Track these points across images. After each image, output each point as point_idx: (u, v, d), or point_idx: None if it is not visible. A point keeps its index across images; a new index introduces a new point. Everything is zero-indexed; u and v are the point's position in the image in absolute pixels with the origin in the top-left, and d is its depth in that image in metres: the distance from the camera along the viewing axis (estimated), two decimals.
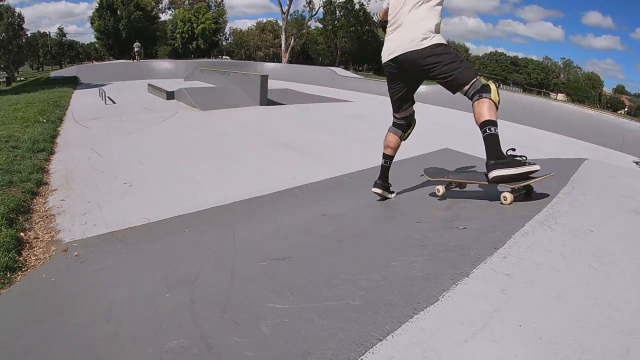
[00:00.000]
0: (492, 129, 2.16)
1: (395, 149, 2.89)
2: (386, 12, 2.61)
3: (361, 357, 1.09)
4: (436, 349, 1.10)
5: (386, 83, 2.73)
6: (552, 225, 1.87)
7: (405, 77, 2.59)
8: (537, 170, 2.16)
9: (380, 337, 1.16)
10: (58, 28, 62.10)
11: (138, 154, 5.34)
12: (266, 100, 11.03)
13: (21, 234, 2.83)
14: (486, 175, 2.27)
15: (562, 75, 65.36)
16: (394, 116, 2.82)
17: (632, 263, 1.60)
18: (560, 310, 1.28)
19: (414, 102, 2.79)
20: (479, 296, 1.33)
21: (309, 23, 51.55)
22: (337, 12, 52.33)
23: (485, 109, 2.19)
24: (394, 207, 3.12)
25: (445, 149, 6.09)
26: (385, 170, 2.98)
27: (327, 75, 21.94)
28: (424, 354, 1.08)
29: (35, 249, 2.70)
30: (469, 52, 63.47)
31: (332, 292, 1.57)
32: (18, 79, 37.06)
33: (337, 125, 8.41)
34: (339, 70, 24.19)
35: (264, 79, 11.00)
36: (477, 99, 2.22)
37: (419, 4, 2.38)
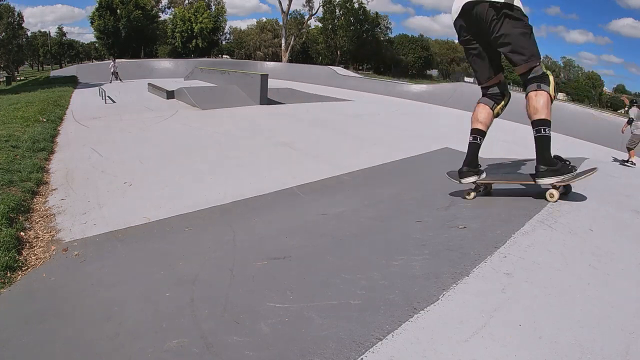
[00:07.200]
0: (546, 130, 2.06)
1: (487, 123, 2.44)
2: None
3: (361, 357, 1.09)
4: (436, 348, 1.10)
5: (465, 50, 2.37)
6: (552, 224, 1.87)
7: (478, 36, 2.26)
8: (584, 177, 2.17)
9: (380, 337, 1.16)
10: (58, 27, 62.05)
11: (138, 153, 5.34)
12: (266, 99, 11.03)
13: (21, 233, 2.82)
14: (532, 177, 2.24)
15: (562, 75, 65.35)
16: (481, 88, 2.49)
17: (632, 263, 1.60)
18: (560, 309, 1.28)
19: (501, 70, 2.42)
20: (479, 295, 1.33)
21: (308, 22, 51.54)
22: (337, 11, 52.27)
23: (542, 104, 2.05)
24: (394, 207, 3.12)
25: (445, 149, 6.09)
26: (474, 149, 2.48)
27: (327, 74, 21.96)
28: (424, 354, 1.08)
29: (35, 248, 2.69)
30: None
31: (332, 291, 1.57)
32: (18, 78, 37.06)
33: (338, 124, 8.41)
34: (339, 70, 24.21)
35: (264, 78, 11.01)
36: (535, 90, 2.07)
37: None
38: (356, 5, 50.77)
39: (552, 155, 2.14)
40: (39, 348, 1.60)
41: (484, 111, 2.43)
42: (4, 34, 41.63)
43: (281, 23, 42.75)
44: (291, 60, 40.90)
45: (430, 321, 1.21)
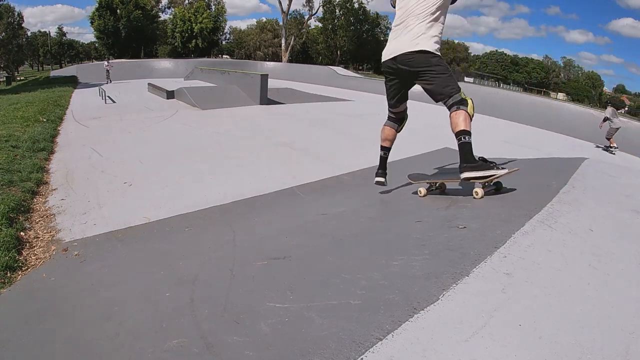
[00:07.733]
0: (466, 137, 2.47)
1: (392, 140, 3.08)
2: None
3: (361, 357, 1.09)
4: (436, 348, 1.10)
5: (384, 82, 2.94)
6: (552, 224, 1.86)
7: (400, 77, 2.73)
8: (505, 174, 2.43)
9: (380, 337, 1.15)
10: (58, 27, 62.06)
11: (138, 153, 5.34)
12: (266, 99, 11.03)
13: (21, 233, 2.83)
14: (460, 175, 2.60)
15: (562, 75, 65.31)
16: (389, 111, 3.00)
17: (632, 263, 1.60)
18: (560, 310, 1.28)
19: (407, 100, 2.96)
20: (479, 295, 1.33)
21: (308, 22, 51.54)
22: (337, 11, 52.25)
23: (461, 120, 2.47)
24: (394, 207, 3.12)
25: (445, 148, 6.09)
26: (384, 160, 3.15)
27: (327, 75, 21.98)
28: (423, 353, 1.08)
29: (35, 248, 2.70)
30: (469, 51, 63.56)
31: (332, 291, 1.57)
32: (18, 78, 37.08)
33: (338, 124, 8.41)
34: (339, 70, 24.23)
35: (264, 78, 11.01)
36: (455, 110, 2.49)
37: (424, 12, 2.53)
38: (356, 5, 50.76)
39: (477, 157, 2.51)
40: (39, 348, 1.60)
41: (390, 132, 3.02)
42: (4, 34, 41.66)
43: (281, 23, 42.77)
44: (291, 60, 40.92)
45: (430, 321, 1.21)
